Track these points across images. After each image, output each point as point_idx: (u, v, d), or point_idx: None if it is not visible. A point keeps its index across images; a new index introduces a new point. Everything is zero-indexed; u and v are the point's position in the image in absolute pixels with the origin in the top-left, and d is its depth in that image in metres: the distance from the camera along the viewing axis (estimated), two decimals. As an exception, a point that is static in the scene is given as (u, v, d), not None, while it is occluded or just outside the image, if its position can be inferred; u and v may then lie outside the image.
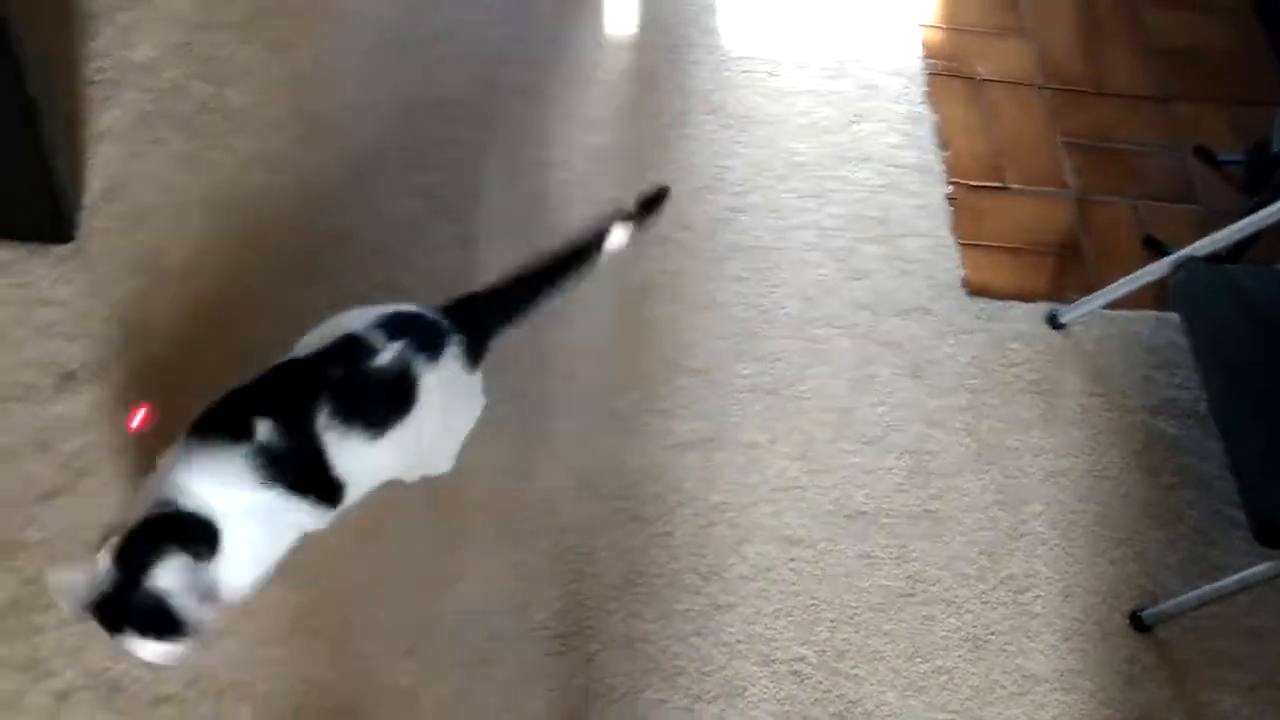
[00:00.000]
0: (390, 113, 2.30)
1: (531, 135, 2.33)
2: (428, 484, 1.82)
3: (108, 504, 1.75)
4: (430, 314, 1.64)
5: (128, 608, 1.39)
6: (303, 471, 1.50)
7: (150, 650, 1.41)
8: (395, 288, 2.06)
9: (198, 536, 1.43)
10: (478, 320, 1.70)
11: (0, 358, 1.86)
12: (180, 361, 1.89)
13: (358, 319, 1.60)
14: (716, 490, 1.99)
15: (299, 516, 1.54)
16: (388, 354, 1.56)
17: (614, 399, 2.05)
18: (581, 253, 1.78)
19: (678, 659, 1.83)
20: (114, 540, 1.42)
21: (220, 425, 1.50)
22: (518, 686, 1.76)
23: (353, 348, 1.56)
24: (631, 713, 1.77)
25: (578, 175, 2.29)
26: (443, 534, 1.86)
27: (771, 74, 2.54)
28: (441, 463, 1.78)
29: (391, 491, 1.75)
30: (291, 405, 1.51)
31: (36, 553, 1.71)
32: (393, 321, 1.59)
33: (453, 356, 1.63)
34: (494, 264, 2.10)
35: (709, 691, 1.81)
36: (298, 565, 1.74)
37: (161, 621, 1.39)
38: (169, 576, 1.39)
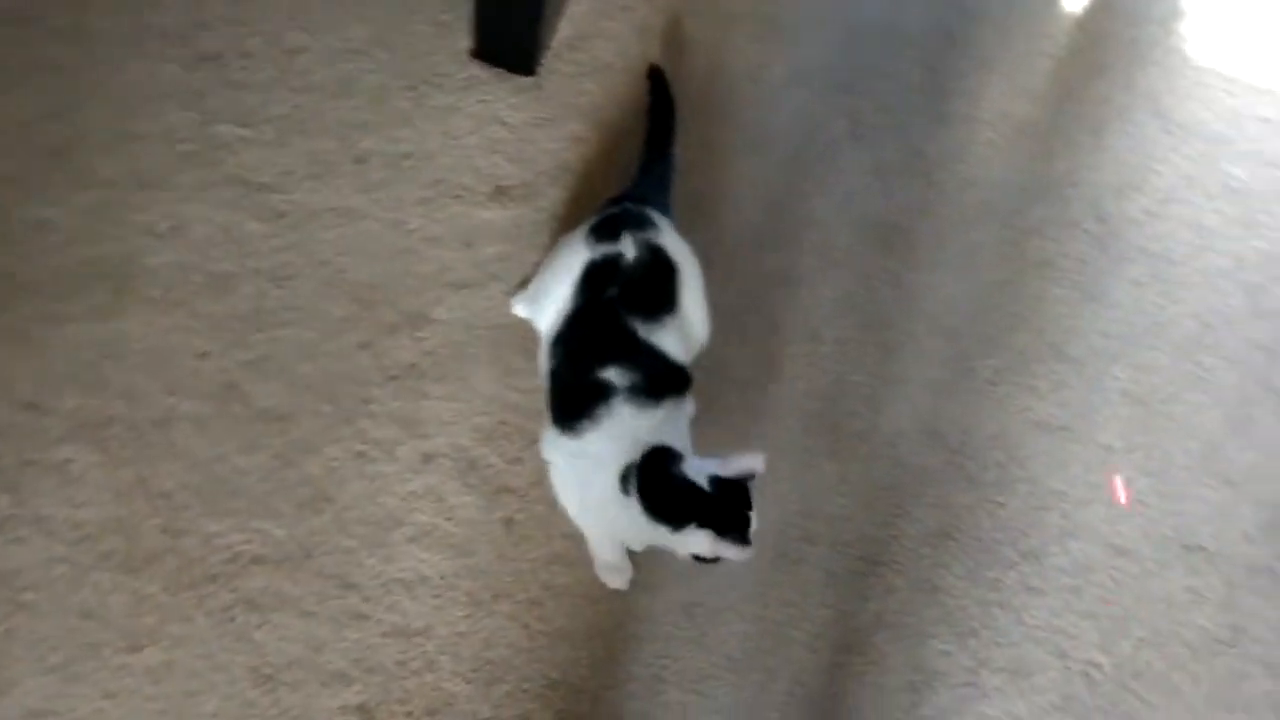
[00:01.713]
0: (838, 32, 2.35)
1: (965, 89, 2.33)
2: (781, 384, 1.90)
3: (504, 310, 1.91)
4: (626, 204, 1.76)
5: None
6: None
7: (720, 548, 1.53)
8: (803, 195, 2.13)
9: None
10: (652, 186, 1.85)
11: (449, 158, 2.05)
12: (597, 199, 2.03)
13: (580, 243, 1.70)
14: (1059, 478, 1.96)
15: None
16: (628, 244, 1.66)
17: (980, 360, 2.04)
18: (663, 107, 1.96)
19: (974, 621, 1.83)
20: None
21: None
22: (816, 590, 1.82)
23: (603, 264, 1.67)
24: (916, 653, 1.79)
25: (1002, 138, 2.27)
26: (783, 438, 1.92)
27: (1228, 93, 2.42)
28: (704, 330, 1.81)
29: (746, 374, 1.84)
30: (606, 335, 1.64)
31: (439, 330, 1.90)
32: (608, 223, 1.70)
33: (663, 220, 1.73)
34: (898, 197, 2.15)
35: (995, 661, 1.80)
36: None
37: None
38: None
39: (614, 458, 1.57)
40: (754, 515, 1.53)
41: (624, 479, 1.55)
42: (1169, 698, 1.81)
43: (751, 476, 1.54)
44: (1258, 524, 1.97)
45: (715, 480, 1.53)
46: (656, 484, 1.53)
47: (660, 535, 1.54)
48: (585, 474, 1.62)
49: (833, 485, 1.90)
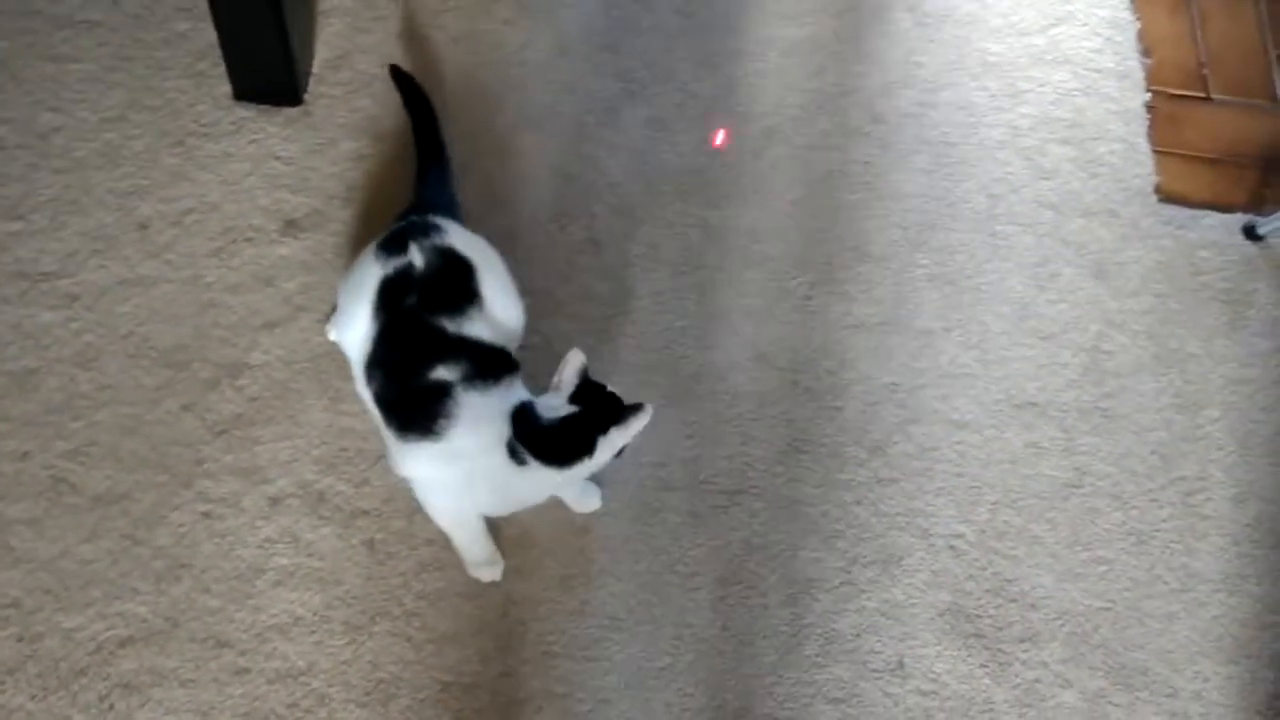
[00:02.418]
0: (593, -1, 2.39)
1: (728, 24, 2.38)
2: (608, 346, 1.94)
3: (320, 339, 1.92)
4: (411, 217, 1.78)
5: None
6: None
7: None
8: (592, 161, 2.16)
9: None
10: (434, 190, 1.91)
11: (233, 204, 2.04)
12: (392, 212, 2.04)
13: (370, 262, 1.72)
14: (888, 372, 2.03)
15: None
16: (415, 253, 1.68)
17: (792, 279, 2.10)
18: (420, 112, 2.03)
19: (837, 524, 1.89)
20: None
21: None
22: (683, 533, 1.86)
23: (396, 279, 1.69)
24: (789, 568, 1.85)
25: (772, 66, 2.34)
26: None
27: (972, -25, 2.52)
28: (518, 315, 1.83)
29: (570, 347, 1.87)
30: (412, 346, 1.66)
31: (259, 374, 1.89)
32: (394, 237, 1.73)
33: (449, 224, 1.76)
34: (683, 143, 2.20)
35: (865, 556, 1.87)
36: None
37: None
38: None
39: (489, 440, 1.60)
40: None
41: (512, 452, 1.59)
42: (1031, 548, 1.91)
43: (584, 369, 1.64)
44: (1079, 369, 2.07)
45: (571, 396, 1.62)
46: (544, 436, 1.59)
47: (573, 476, 1.63)
48: (463, 469, 1.62)
49: (678, 430, 1.95)
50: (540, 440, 1.59)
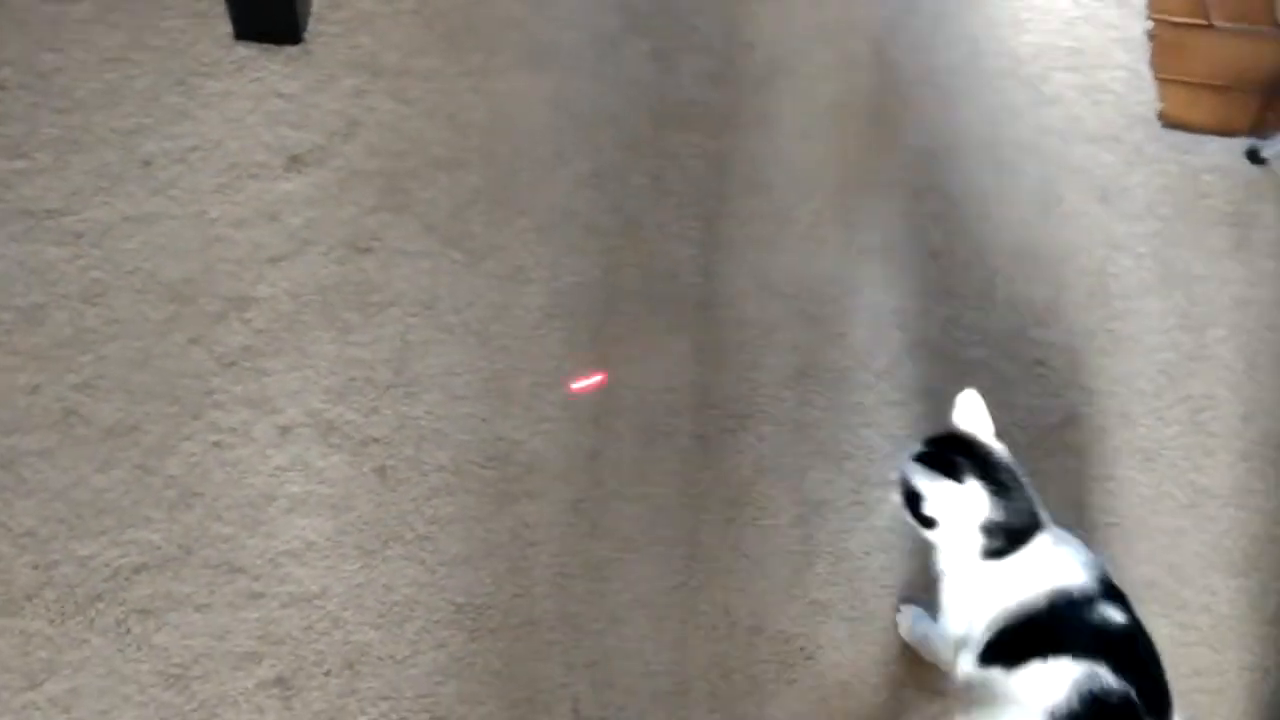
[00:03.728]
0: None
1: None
2: (613, 277, 1.94)
3: (326, 272, 1.92)
4: None
5: None
6: None
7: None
8: (593, 96, 2.16)
9: None
10: None
11: (236, 140, 2.03)
12: (395, 146, 2.04)
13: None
14: (893, 297, 2.03)
15: None
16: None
17: (797, 208, 2.10)
18: None
19: (845, 446, 1.90)
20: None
21: None
22: (692, 457, 1.87)
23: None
24: (799, 489, 1.86)
25: (771, -3, 2.33)
26: (625, 324, 1.96)
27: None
28: None
29: (578, 278, 1.88)
30: None
31: (266, 307, 1.89)
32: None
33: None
34: (685, 75, 2.19)
35: (873, 478, 1.88)
36: (489, 334, 1.89)
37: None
38: None
39: None
40: None
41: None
42: (1038, 465, 1.91)
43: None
44: (1085, 292, 2.08)
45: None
46: None
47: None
48: None
49: (686, 357, 1.95)
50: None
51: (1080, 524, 1.87)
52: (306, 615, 1.69)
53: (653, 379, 1.91)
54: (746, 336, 1.98)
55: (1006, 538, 1.48)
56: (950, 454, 1.51)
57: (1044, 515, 1.52)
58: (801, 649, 1.75)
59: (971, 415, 1.55)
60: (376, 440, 1.82)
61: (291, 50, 2.14)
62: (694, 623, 1.75)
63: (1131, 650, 1.43)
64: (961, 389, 1.90)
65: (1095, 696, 1.36)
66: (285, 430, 1.81)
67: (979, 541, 1.49)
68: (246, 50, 2.12)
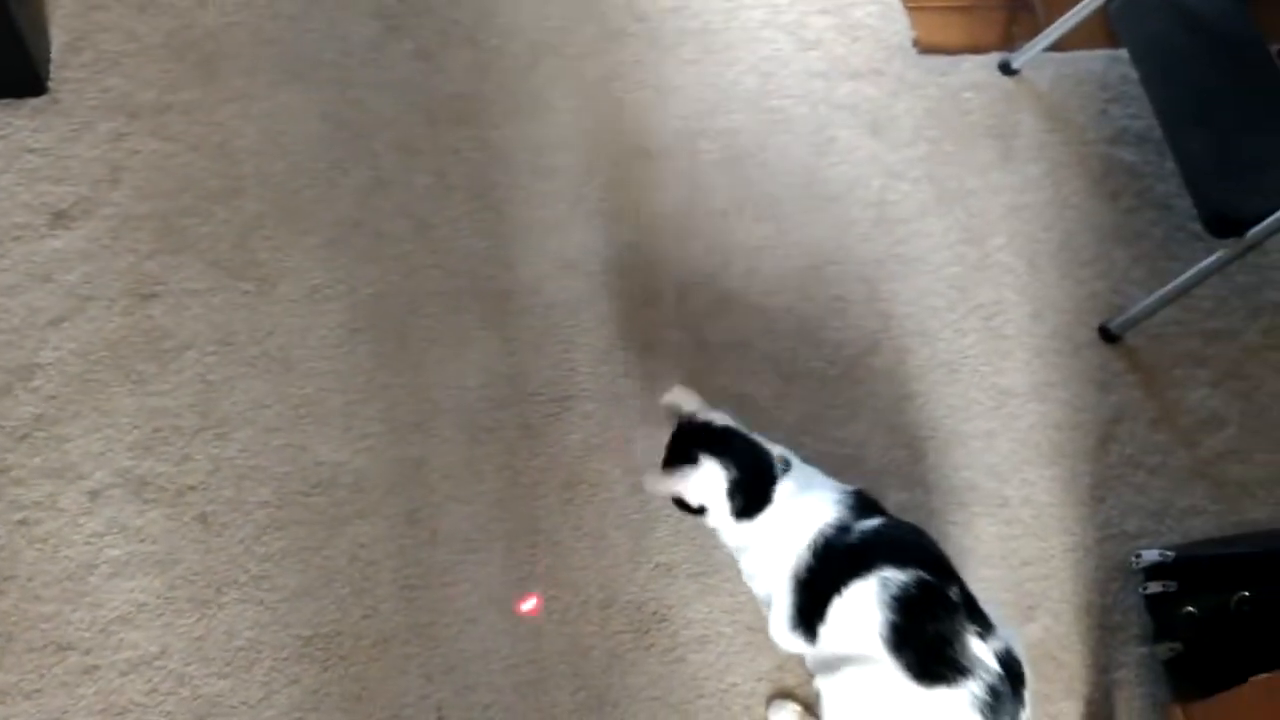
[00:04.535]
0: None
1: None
2: (412, 280, 1.93)
3: (113, 325, 1.84)
4: None
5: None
6: None
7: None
8: (362, 103, 2.13)
9: None
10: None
11: (-7, 205, 1.94)
12: (165, 185, 1.97)
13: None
14: (692, 256, 2.07)
15: None
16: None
17: (584, 185, 2.12)
18: None
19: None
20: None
21: None
22: (520, 446, 1.87)
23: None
24: (629, 459, 1.88)
25: (526, -19, 2.33)
26: (432, 326, 1.95)
27: None
28: None
29: (377, 287, 1.85)
30: None
31: (53, 372, 1.81)
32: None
33: None
34: (452, 70, 2.18)
35: (700, 434, 1.91)
36: (293, 360, 1.85)
37: None
38: None
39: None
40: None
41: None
42: (836, 395, 1.97)
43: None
44: (869, 223, 2.16)
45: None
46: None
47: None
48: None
49: (499, 349, 1.95)
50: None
51: (898, 444, 1.95)
52: (149, 678, 1.63)
53: (469, 377, 1.91)
54: (555, 319, 1.99)
55: (746, 494, 1.55)
56: (681, 444, 1.58)
57: (781, 463, 1.58)
58: (654, 613, 1.78)
59: (682, 401, 1.62)
60: (193, 488, 1.76)
61: (37, 102, 2.04)
62: (547, 609, 1.76)
63: (898, 541, 1.51)
64: (770, 337, 1.96)
65: (900, 596, 1.42)
66: (95, 494, 1.74)
67: (730, 506, 1.55)
68: (-13, 109, 2.02)
